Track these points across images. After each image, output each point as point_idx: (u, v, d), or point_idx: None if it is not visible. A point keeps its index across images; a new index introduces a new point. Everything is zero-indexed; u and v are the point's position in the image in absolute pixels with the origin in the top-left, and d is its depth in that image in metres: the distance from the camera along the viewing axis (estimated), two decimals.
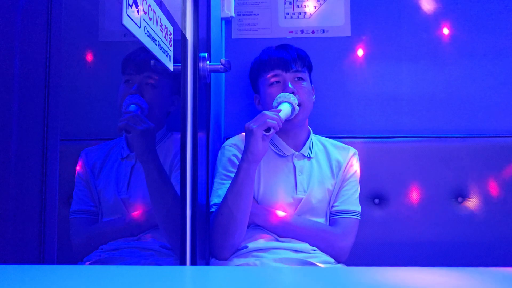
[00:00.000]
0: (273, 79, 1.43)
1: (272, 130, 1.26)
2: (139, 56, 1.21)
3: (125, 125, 1.12)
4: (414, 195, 1.61)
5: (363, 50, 1.73)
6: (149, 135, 1.15)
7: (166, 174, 1.21)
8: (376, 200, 1.62)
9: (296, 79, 1.43)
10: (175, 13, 1.13)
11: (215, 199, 1.37)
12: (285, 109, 1.32)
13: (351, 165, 1.47)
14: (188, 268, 0.97)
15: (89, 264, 1.12)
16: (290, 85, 1.40)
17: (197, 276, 0.64)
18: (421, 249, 1.59)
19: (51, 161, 0.78)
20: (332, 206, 1.43)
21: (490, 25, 1.71)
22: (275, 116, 1.26)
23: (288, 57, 1.44)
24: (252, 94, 1.57)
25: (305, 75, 1.46)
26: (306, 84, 1.44)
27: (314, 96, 1.50)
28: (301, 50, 1.49)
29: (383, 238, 1.60)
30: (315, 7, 1.76)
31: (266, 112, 1.28)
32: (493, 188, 1.60)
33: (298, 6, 1.76)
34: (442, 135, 1.67)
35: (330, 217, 1.42)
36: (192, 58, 1.17)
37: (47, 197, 0.77)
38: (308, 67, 1.49)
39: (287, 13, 1.77)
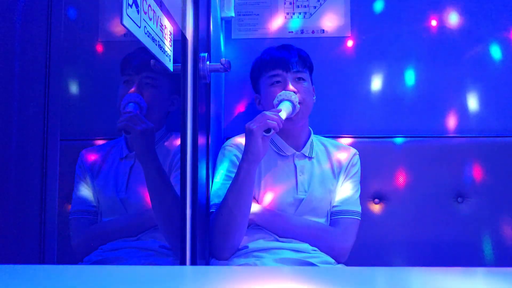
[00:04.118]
0: (274, 79, 1.43)
1: (272, 131, 1.26)
2: (137, 56, 1.21)
3: (125, 125, 1.11)
4: (414, 195, 1.61)
5: (363, 50, 1.73)
6: (149, 135, 1.15)
7: (165, 174, 1.21)
8: (376, 200, 1.62)
9: (296, 79, 1.43)
10: (175, 13, 1.13)
11: (215, 199, 1.37)
12: (286, 108, 1.32)
13: (353, 165, 1.47)
14: (188, 268, 0.97)
15: (89, 264, 1.12)
16: (290, 85, 1.40)
17: (197, 276, 0.64)
18: (421, 249, 1.59)
19: (51, 161, 0.78)
20: (333, 206, 1.43)
21: (490, 25, 1.71)
22: (275, 117, 1.26)
23: (289, 57, 1.43)
24: (253, 94, 1.57)
25: (306, 75, 1.46)
26: (306, 84, 1.44)
27: (315, 97, 1.50)
28: (303, 51, 1.49)
29: (383, 238, 1.60)
30: (315, 7, 1.76)
31: (266, 113, 1.28)
32: (493, 188, 1.60)
33: (298, 6, 1.76)
34: (442, 135, 1.67)
35: (330, 217, 1.42)
36: (192, 58, 1.17)
37: (47, 197, 0.77)
38: (309, 68, 1.49)
39: (287, 13, 1.76)
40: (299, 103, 1.37)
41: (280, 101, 1.35)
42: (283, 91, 1.37)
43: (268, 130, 1.25)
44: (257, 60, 1.52)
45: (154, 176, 1.16)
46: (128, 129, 1.12)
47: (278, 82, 1.43)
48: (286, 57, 1.43)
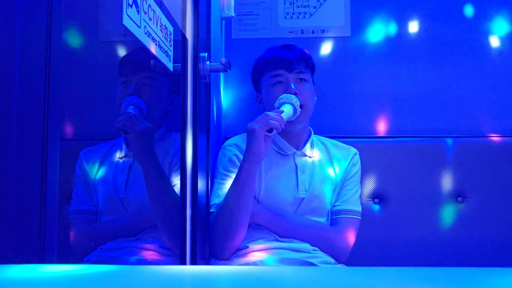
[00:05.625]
0: (276, 79, 1.43)
1: (274, 131, 1.26)
2: (135, 57, 1.22)
3: (123, 125, 1.12)
4: (414, 195, 1.61)
5: (363, 50, 1.73)
6: (147, 135, 1.15)
7: (164, 174, 1.21)
8: (376, 200, 1.62)
9: (299, 80, 1.43)
10: (175, 13, 1.13)
11: (215, 199, 1.37)
12: (287, 110, 1.32)
13: (353, 165, 1.46)
14: (188, 268, 0.97)
15: (89, 264, 1.12)
16: (292, 86, 1.39)
17: (197, 276, 0.64)
18: (421, 249, 1.59)
19: (51, 161, 0.78)
20: (333, 206, 1.42)
21: (490, 25, 1.71)
22: (278, 117, 1.26)
23: (292, 57, 1.43)
24: (253, 94, 1.57)
25: (308, 76, 1.45)
26: (308, 85, 1.44)
27: (315, 98, 1.50)
28: (305, 51, 1.49)
29: (383, 238, 1.59)
30: (315, 7, 1.76)
31: (269, 113, 1.28)
32: (493, 188, 1.60)
33: (298, 6, 1.76)
34: (442, 135, 1.67)
35: (331, 216, 1.42)
36: (192, 58, 1.17)
37: (47, 197, 0.77)
38: (311, 69, 1.49)
39: (287, 13, 1.76)
40: (300, 106, 1.37)
41: (281, 104, 1.35)
42: (284, 94, 1.37)
43: (270, 130, 1.25)
44: (259, 59, 1.51)
45: (153, 176, 1.16)
46: (126, 129, 1.12)
47: (280, 82, 1.43)
48: (289, 58, 1.43)
